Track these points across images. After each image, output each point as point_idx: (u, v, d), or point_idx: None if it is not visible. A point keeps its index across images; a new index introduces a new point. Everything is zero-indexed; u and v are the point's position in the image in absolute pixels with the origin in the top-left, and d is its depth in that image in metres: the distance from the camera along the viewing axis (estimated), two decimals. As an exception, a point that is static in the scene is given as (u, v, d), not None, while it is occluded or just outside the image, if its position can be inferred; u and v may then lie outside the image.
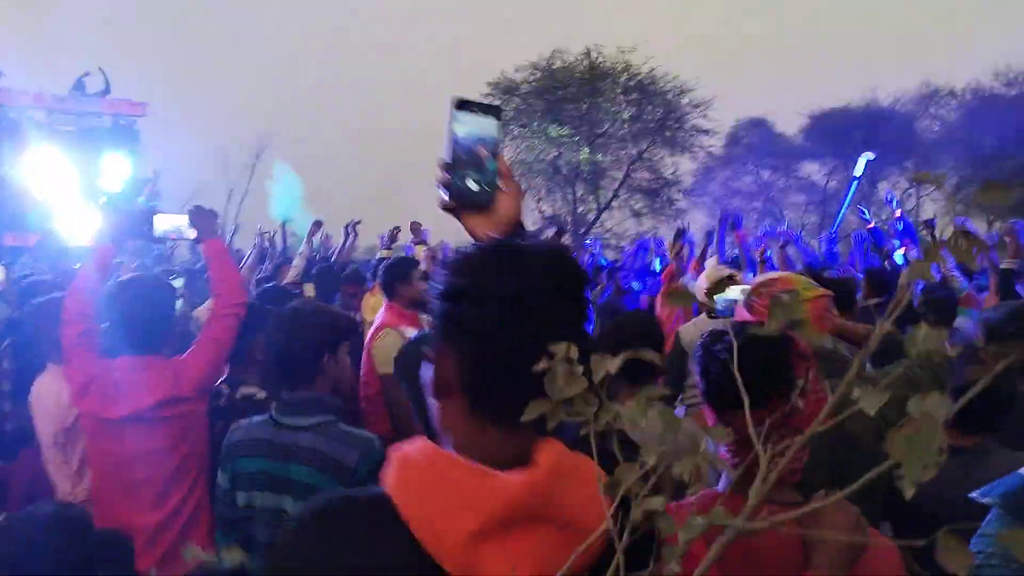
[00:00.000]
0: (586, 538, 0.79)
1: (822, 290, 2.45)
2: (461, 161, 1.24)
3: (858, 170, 11.05)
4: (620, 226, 25.95)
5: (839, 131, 29.21)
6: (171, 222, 3.07)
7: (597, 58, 25.43)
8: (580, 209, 26.13)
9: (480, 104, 1.26)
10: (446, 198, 1.23)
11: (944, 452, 0.55)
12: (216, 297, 2.86)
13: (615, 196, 26.31)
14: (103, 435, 2.66)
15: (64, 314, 2.69)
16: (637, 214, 26.19)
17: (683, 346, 4.27)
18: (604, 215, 26.16)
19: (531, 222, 24.09)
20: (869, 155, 10.78)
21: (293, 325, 2.30)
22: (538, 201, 25.99)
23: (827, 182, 31.53)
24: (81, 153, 12.60)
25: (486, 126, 1.27)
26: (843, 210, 8.14)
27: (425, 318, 4.41)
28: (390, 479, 0.92)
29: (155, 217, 3.06)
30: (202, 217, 3.03)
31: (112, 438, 2.62)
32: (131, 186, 12.83)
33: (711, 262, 6.36)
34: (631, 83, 25.53)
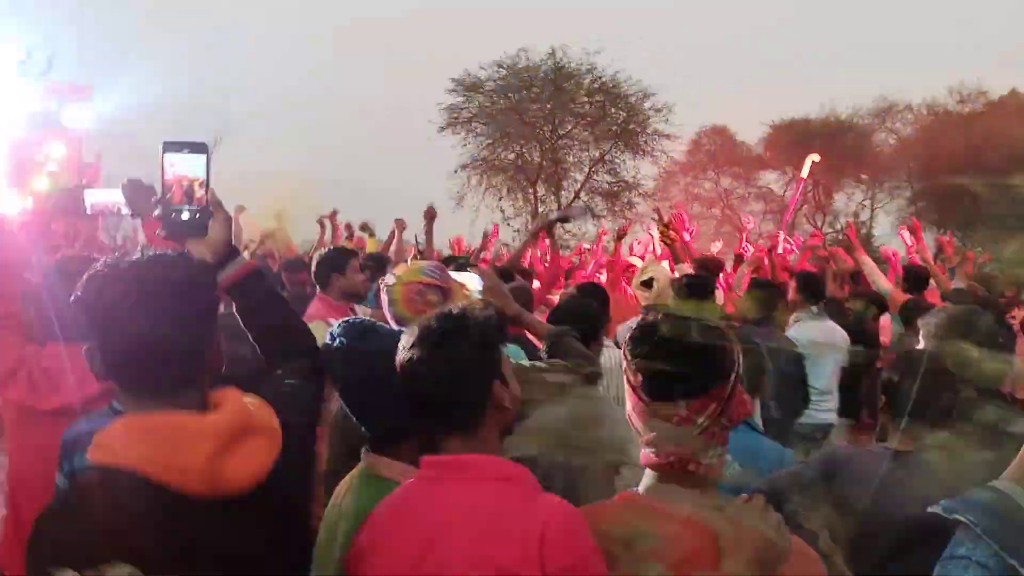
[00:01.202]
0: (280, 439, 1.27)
1: (423, 277, 2.47)
2: (173, 196, 1.47)
3: (804, 171, 11.19)
4: (579, 228, 25.94)
5: (798, 142, 29.61)
6: (105, 197, 2.83)
7: (562, 59, 25.42)
8: (541, 209, 26.01)
9: (187, 143, 1.49)
10: (161, 231, 1.47)
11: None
12: None
13: (576, 197, 26.28)
14: (30, 427, 2.47)
15: None
16: (596, 216, 26.16)
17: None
18: (564, 216, 26.10)
19: (490, 221, 23.90)
20: (814, 156, 10.95)
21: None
22: (499, 200, 25.85)
23: (785, 191, 31.96)
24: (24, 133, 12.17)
25: (195, 162, 1.48)
26: (792, 209, 8.22)
27: (361, 309, 4.25)
28: (120, 452, 1.18)
29: (86, 192, 2.84)
30: (137, 192, 2.78)
31: (41, 431, 2.37)
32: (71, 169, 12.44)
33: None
34: (595, 85, 25.53)
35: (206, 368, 1.30)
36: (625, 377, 1.46)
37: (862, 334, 5.15)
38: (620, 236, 7.23)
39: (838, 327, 4.90)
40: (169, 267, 1.24)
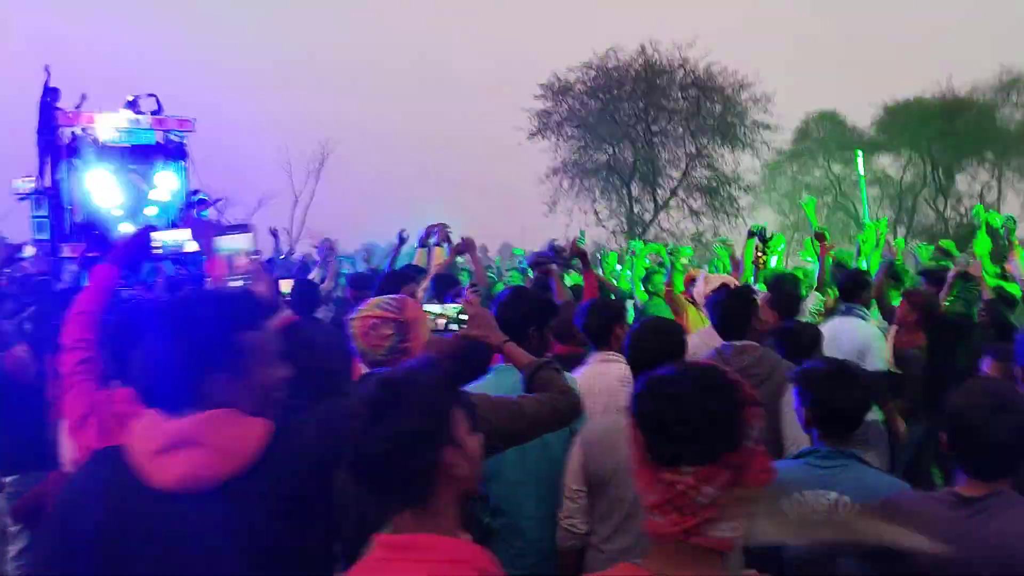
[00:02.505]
0: (234, 458, 1.47)
1: (377, 310, 2.41)
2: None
3: (860, 168, 10.67)
4: (678, 226, 25.40)
5: (913, 122, 27.99)
6: (173, 237, 3.03)
7: (652, 55, 25.01)
8: (636, 209, 25.66)
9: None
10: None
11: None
12: None
13: (672, 195, 25.77)
14: None
15: (63, 339, 2.53)
16: (696, 213, 25.57)
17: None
18: (661, 215, 25.64)
19: (585, 223, 23.75)
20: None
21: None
22: (593, 202, 25.65)
23: (902, 175, 30.25)
24: (134, 170, 13.20)
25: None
26: (865, 208, 7.74)
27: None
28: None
29: (152, 234, 3.01)
30: (203, 230, 2.94)
31: None
32: (180, 199, 13.34)
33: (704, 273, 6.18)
34: (688, 79, 24.97)
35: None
36: (628, 433, 1.35)
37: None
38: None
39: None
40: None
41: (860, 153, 9.65)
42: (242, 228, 1.96)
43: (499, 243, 23.46)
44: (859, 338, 4.60)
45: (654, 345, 2.99)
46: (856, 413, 2.53)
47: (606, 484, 2.66)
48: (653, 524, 1.28)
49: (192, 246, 2.92)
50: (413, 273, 6.18)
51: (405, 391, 1.40)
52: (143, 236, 2.95)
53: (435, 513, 1.39)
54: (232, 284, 1.82)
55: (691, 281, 6.42)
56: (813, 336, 4.00)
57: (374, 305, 2.45)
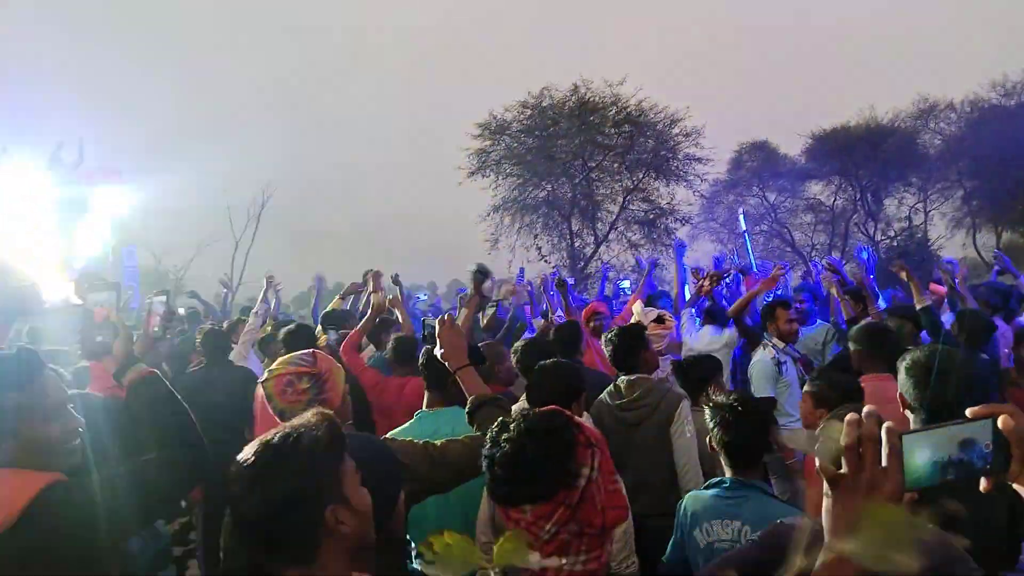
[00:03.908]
0: None
1: (291, 367, 2.37)
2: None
3: (742, 225, 11.17)
4: (618, 259, 25.71)
5: (842, 149, 28.92)
6: (62, 291, 2.94)
7: (585, 93, 25.48)
8: (577, 244, 25.96)
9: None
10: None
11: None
12: None
13: (612, 229, 26.14)
14: None
15: None
16: (635, 245, 25.94)
17: None
18: (602, 248, 25.96)
19: (526, 260, 23.95)
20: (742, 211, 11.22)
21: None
22: (534, 238, 25.88)
23: (834, 200, 31.15)
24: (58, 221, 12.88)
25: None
26: (750, 258, 7.96)
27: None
28: None
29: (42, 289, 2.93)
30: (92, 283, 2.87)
31: None
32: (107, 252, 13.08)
33: (638, 305, 6.24)
34: (621, 116, 25.50)
35: None
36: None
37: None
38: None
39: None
40: None
41: (744, 212, 10.45)
42: (111, 286, 2.17)
43: (449, 279, 23.44)
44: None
45: (547, 386, 3.10)
46: (753, 446, 2.61)
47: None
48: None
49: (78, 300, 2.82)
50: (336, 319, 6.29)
51: (283, 455, 1.37)
52: (29, 292, 2.88)
53: (323, 566, 1.36)
54: (98, 339, 1.98)
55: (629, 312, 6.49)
56: (710, 368, 4.11)
57: (285, 362, 2.39)
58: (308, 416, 1.48)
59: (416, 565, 2.61)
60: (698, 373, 4.05)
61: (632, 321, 5.54)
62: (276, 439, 1.40)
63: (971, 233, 29.29)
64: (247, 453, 1.39)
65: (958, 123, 28.34)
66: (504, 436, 1.39)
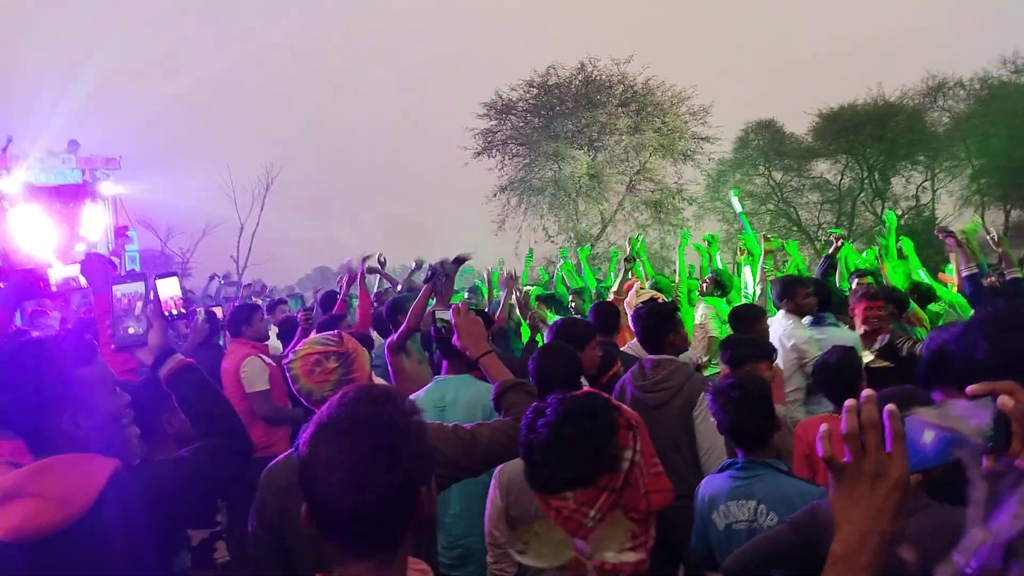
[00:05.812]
0: (71, 507, 1.48)
1: (318, 346, 2.35)
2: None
3: (736, 206, 11.00)
4: (625, 239, 25.66)
5: (849, 128, 28.71)
6: (66, 273, 2.88)
7: (592, 71, 25.30)
8: (584, 224, 25.88)
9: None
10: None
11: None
12: None
13: (619, 209, 26.04)
14: None
15: None
16: (642, 225, 25.88)
17: None
18: (608, 229, 25.89)
19: (534, 240, 23.94)
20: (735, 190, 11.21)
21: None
22: (541, 218, 25.81)
23: (841, 179, 30.98)
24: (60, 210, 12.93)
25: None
26: (752, 236, 7.81)
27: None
28: None
29: (50, 271, 2.81)
30: (94, 265, 2.64)
31: None
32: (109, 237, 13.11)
33: (638, 284, 6.22)
34: (627, 95, 25.31)
35: None
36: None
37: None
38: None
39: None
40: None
41: (737, 192, 10.51)
42: (139, 276, 2.00)
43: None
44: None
45: (548, 369, 3.09)
46: (758, 430, 2.63)
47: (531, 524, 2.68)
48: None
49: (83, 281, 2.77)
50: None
51: (405, 435, 1.21)
52: (32, 275, 2.81)
53: (397, 564, 1.23)
54: (130, 332, 1.88)
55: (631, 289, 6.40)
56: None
57: (312, 343, 2.35)
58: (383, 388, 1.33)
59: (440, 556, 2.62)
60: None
61: (630, 299, 5.50)
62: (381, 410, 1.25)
63: (979, 211, 29.11)
64: (343, 440, 1.22)
65: (967, 100, 28.06)
66: (541, 421, 1.36)
